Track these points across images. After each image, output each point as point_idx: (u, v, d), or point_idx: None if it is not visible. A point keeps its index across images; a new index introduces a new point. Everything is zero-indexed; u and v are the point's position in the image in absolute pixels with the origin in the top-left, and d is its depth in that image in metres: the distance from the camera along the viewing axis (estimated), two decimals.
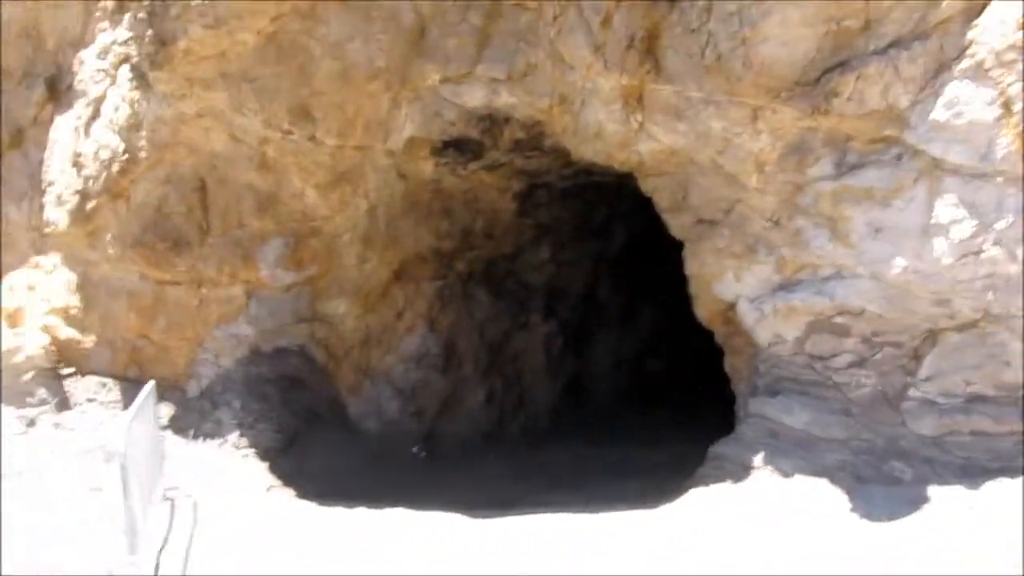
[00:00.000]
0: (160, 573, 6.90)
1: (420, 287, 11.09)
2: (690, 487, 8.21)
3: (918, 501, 6.79)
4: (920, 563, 6.00)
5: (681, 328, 14.87)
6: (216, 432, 10.03)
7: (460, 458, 10.99)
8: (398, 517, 8.34)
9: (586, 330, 13.37)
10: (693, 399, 14.41)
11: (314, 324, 10.66)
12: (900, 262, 6.64)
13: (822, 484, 7.29)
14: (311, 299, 10.58)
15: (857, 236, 6.82)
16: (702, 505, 7.67)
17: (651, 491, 8.91)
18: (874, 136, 6.64)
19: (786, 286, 7.46)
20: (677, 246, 14.20)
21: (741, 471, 7.87)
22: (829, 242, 7.02)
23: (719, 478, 7.99)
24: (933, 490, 6.85)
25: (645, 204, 13.04)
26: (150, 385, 8.85)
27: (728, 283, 7.94)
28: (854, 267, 6.94)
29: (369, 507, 8.79)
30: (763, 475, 7.68)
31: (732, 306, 8.14)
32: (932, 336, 7.01)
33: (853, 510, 6.83)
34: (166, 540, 7.76)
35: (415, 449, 10.92)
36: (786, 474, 7.54)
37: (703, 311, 8.55)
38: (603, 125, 8.31)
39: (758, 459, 7.80)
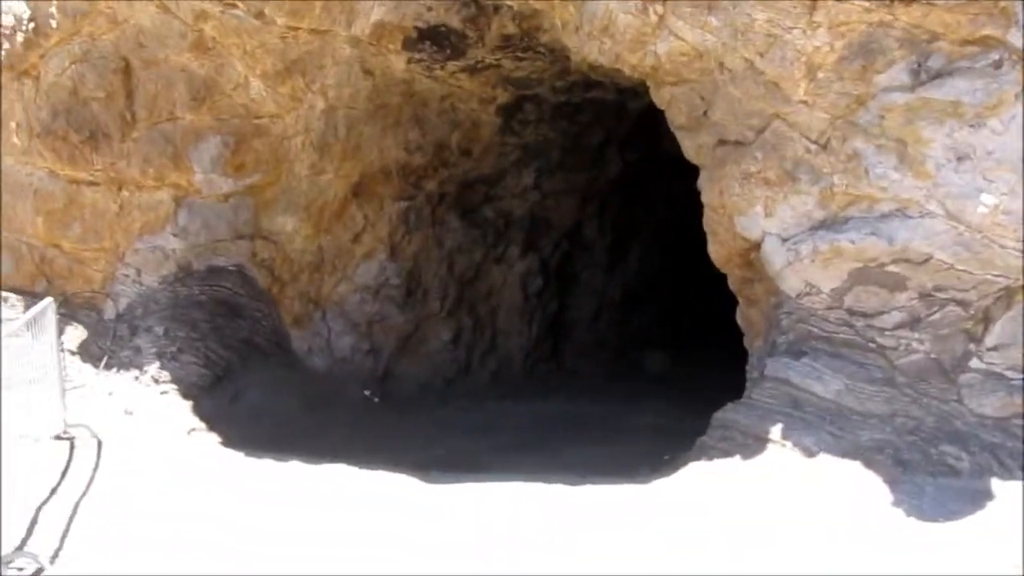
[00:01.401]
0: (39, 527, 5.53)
1: (383, 207, 9.56)
2: (690, 459, 6.88)
3: (979, 498, 5.49)
4: None
5: (675, 276, 13.54)
6: (133, 362, 8.54)
7: (419, 406, 9.60)
8: (337, 476, 6.94)
9: (569, 270, 11.93)
10: (689, 351, 13.14)
11: (256, 242, 9.13)
12: (989, 200, 5.24)
13: (855, 468, 5.95)
14: (253, 212, 9.03)
15: (934, 164, 5.39)
16: (705, 483, 6.32)
17: (639, 459, 7.59)
18: (968, 36, 5.18)
19: (832, 223, 6.03)
20: (680, 180, 12.77)
21: (754, 444, 6.53)
22: (895, 170, 5.58)
23: (726, 451, 6.65)
24: (998, 486, 5.55)
25: (646, 128, 11.56)
26: (48, 300, 7.33)
27: (755, 217, 6.50)
28: (925, 203, 5.52)
29: (305, 460, 7.39)
30: (781, 451, 6.34)
31: (756, 246, 6.72)
32: (1008, 295, 5.64)
33: (896, 504, 5.52)
34: (54, 490, 6.35)
35: (367, 392, 9.51)
36: (810, 452, 6.20)
37: (719, 250, 7.12)
38: (614, 17, 6.77)
39: (775, 431, 6.45)
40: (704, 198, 7.07)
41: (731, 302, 10.59)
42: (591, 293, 12.26)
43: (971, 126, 5.20)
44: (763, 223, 6.49)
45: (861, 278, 6.08)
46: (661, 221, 13.15)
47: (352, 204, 9.41)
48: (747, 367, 7.57)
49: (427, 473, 7.13)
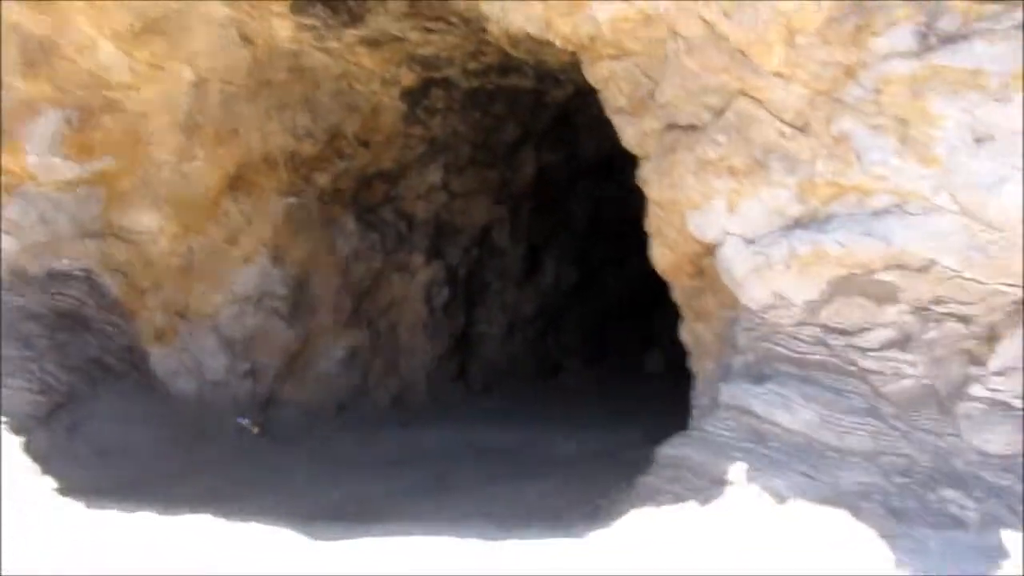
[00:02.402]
0: None
1: (265, 203, 8.15)
2: (633, 503, 5.74)
3: (992, 556, 4.52)
4: None
5: (594, 291, 12.50)
6: None
7: (308, 437, 8.19)
8: (197, 532, 5.51)
9: (479, 281, 10.72)
10: (612, 372, 12.12)
11: (108, 241, 7.59)
12: (1013, 191, 4.28)
13: (840, 519, 4.92)
14: (104, 206, 7.49)
15: (946, 147, 4.40)
16: (653, 538, 5.18)
17: (569, 500, 6.42)
18: None
19: (811, 222, 4.99)
20: (602, 184, 11.75)
21: (711, 487, 5.43)
22: (895, 155, 4.56)
23: (677, 495, 5.53)
24: (1011, 539, 4.58)
25: (564, 126, 10.49)
26: None
27: (713, 214, 5.42)
28: (932, 196, 4.52)
29: (162, 511, 5.94)
30: (745, 496, 5.24)
31: (711, 249, 5.66)
32: (1021, 309, 4.70)
33: (898, 566, 4.49)
34: None
35: (244, 421, 8.06)
36: (781, 497, 5.13)
37: (665, 255, 6.04)
38: None
39: (737, 471, 5.36)
40: (650, 193, 5.98)
41: (663, 318, 9.60)
42: (502, 307, 11.08)
43: (996, 100, 4.24)
44: (723, 221, 5.41)
45: (844, 288, 5.06)
46: (580, 230, 12.10)
47: (228, 199, 7.97)
48: (692, 392, 6.50)
49: (313, 526, 5.78)
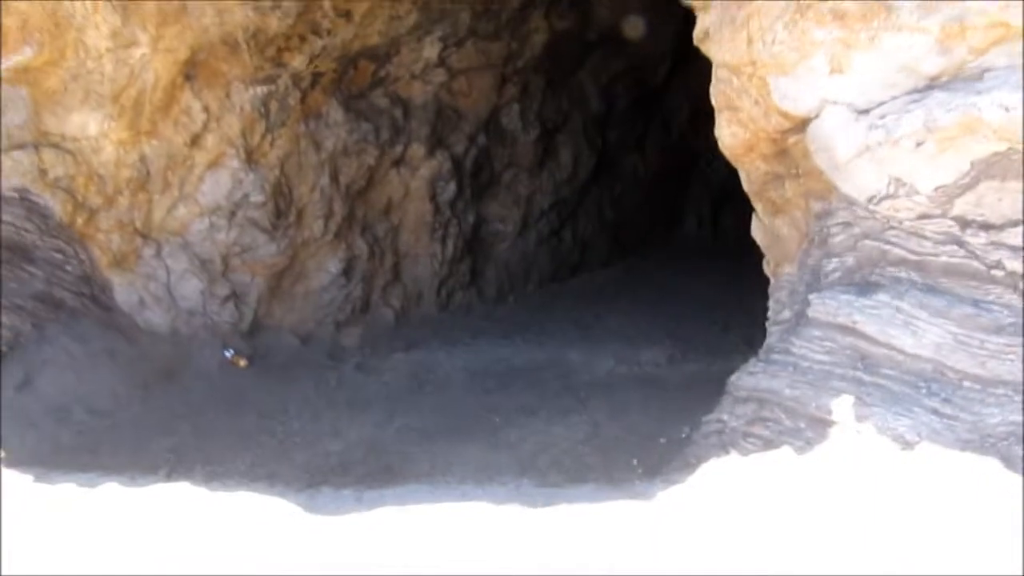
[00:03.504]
0: None
1: (230, 94, 6.78)
2: (703, 453, 4.63)
3: None
4: None
5: (611, 176, 11.19)
6: None
7: (302, 368, 7.06)
8: (173, 507, 4.42)
9: (488, 172, 9.40)
10: (642, 271, 10.92)
11: (43, 153, 6.27)
12: None
13: (987, 469, 3.80)
14: (32, 109, 6.15)
15: None
16: (742, 500, 4.08)
17: (616, 444, 5.30)
18: None
19: (955, 80, 3.68)
20: (618, 59, 10.26)
21: (810, 428, 4.31)
22: None
23: (767, 440, 4.43)
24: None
25: None
26: None
27: (811, 77, 4.10)
28: None
29: (127, 482, 4.88)
30: (856, 441, 4.13)
31: (803, 124, 4.36)
32: None
33: None
34: None
35: (228, 354, 6.92)
36: (906, 442, 4.01)
37: (737, 133, 4.75)
38: None
39: (842, 408, 4.23)
40: (715, 54, 4.63)
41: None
42: (515, 201, 9.78)
43: None
44: (824, 86, 4.09)
45: (993, 169, 3.78)
46: (594, 110, 10.68)
47: (185, 92, 6.61)
48: (772, 303, 5.31)
49: (312, 495, 4.70)
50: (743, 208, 14.21)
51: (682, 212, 13.35)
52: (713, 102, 4.85)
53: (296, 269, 7.57)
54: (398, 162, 8.24)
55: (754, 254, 12.62)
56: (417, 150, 8.34)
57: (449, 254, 8.78)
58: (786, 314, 5.01)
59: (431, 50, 8.06)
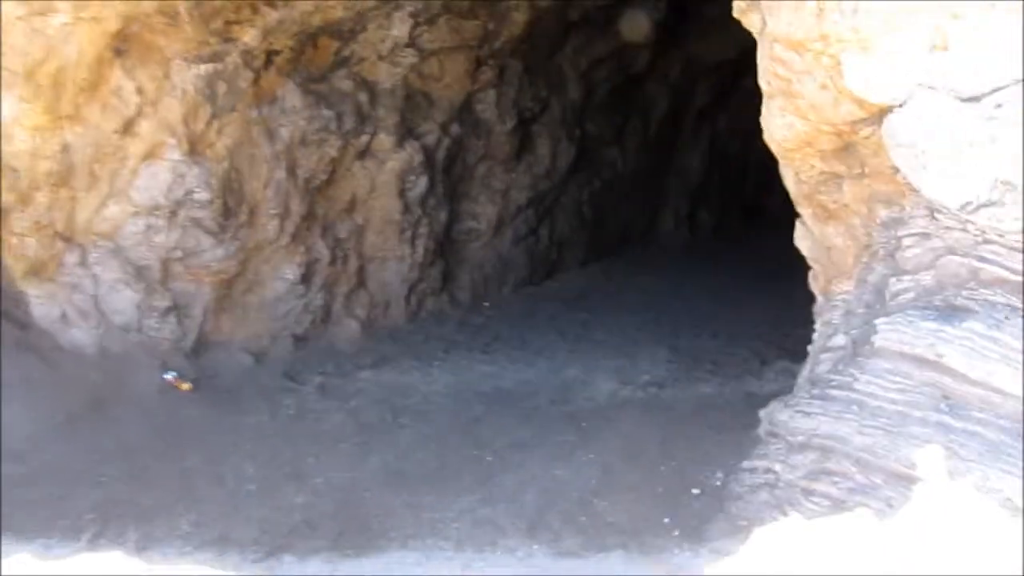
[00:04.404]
0: None
1: (169, 75, 5.79)
2: (756, 513, 3.82)
3: None
4: None
5: (590, 170, 10.37)
6: None
7: (255, 391, 6.10)
8: None
9: (462, 165, 8.50)
10: (626, 273, 10.14)
11: None
12: None
13: None
14: None
15: None
16: None
17: (637, 497, 4.44)
18: None
19: None
20: (602, 40, 9.43)
21: (884, 483, 3.54)
22: None
23: (833, 500, 3.63)
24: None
25: None
26: None
27: (903, 54, 3.31)
28: None
29: (40, 552, 3.93)
30: (950, 502, 3.36)
31: (882, 113, 3.57)
32: None
33: None
34: None
35: (170, 376, 5.94)
36: (1014, 506, 3.25)
37: (792, 124, 3.93)
38: None
39: (926, 459, 3.45)
40: (771, 27, 3.80)
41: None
42: (490, 196, 8.90)
43: None
44: (920, 66, 3.30)
45: None
46: (572, 98, 9.84)
47: (115, 70, 5.60)
48: (820, 324, 4.52)
49: (274, 563, 3.81)
50: (720, 206, 13.52)
51: (659, 209, 12.59)
52: (763, 86, 4.03)
53: (248, 276, 6.60)
54: (363, 154, 7.31)
55: (735, 256, 11.93)
56: (384, 140, 7.41)
57: (420, 256, 7.87)
58: (840, 340, 4.22)
59: (400, 27, 7.14)
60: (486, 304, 8.62)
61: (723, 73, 12.19)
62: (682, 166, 12.80)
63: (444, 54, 7.74)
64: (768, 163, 14.30)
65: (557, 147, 9.58)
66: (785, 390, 5.62)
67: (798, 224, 4.52)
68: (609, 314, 8.47)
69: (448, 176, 8.25)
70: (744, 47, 11.56)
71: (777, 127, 4.00)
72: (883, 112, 3.59)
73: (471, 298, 8.59)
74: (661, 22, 9.92)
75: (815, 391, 4.10)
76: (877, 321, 3.88)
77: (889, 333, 3.81)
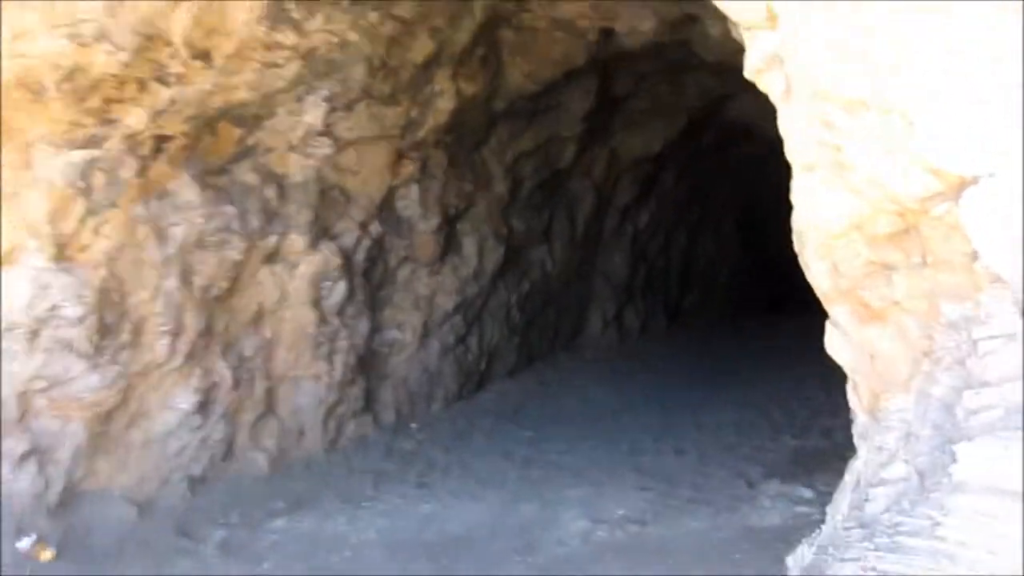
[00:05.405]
0: None
1: (30, 162, 4.70)
2: None
3: None
4: None
5: (518, 272, 9.57)
6: None
7: (138, 556, 4.83)
8: None
9: (382, 268, 7.54)
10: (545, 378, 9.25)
11: None
12: None
13: None
14: None
15: None
16: None
17: None
18: None
19: None
20: (530, 130, 8.80)
21: None
22: None
23: None
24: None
25: (488, 40, 7.47)
26: None
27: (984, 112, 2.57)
28: None
29: None
30: None
31: (960, 187, 2.81)
32: None
33: None
34: None
35: (24, 543, 4.64)
36: None
37: (842, 200, 3.13)
38: None
39: None
40: (814, 82, 3.04)
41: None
42: (415, 302, 7.92)
43: None
44: (1011, 127, 2.57)
45: None
46: (499, 193, 9.07)
47: None
48: (867, 450, 3.67)
49: None
50: (645, 307, 12.84)
51: (586, 311, 11.82)
52: (797, 159, 3.25)
53: (131, 407, 5.39)
54: (271, 257, 6.27)
55: (667, 358, 11.14)
56: (296, 241, 6.40)
57: (338, 374, 6.78)
58: (900, 470, 3.33)
59: (314, 113, 6.23)
60: (414, 425, 7.53)
61: (644, 169, 11.72)
62: (607, 266, 12.14)
63: (362, 145, 6.86)
64: (689, 263, 13.78)
65: (484, 246, 8.72)
66: (794, 523, 4.76)
67: (830, 327, 3.69)
68: (554, 429, 7.52)
69: (368, 281, 7.26)
70: (668, 141, 11.35)
71: (824, 206, 3.19)
72: (963, 185, 2.83)
73: (395, 418, 7.50)
74: (588, 114, 9.36)
75: (880, 539, 3.18)
76: (956, 448, 3.04)
77: (974, 461, 2.97)
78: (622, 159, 11.19)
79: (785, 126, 3.32)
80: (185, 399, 5.64)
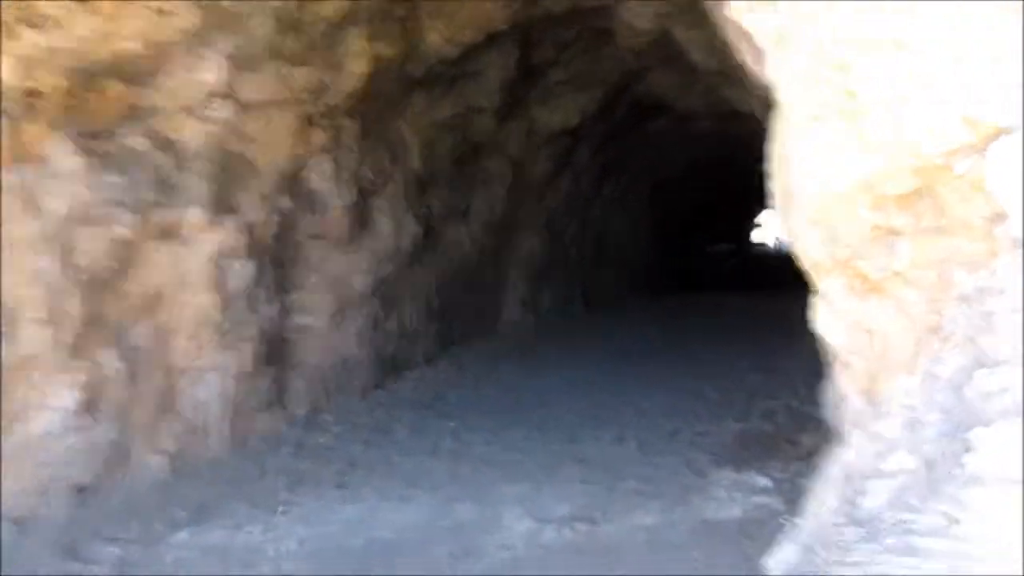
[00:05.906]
0: None
1: None
2: None
3: None
4: None
5: (436, 251, 9.04)
6: None
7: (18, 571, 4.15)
8: None
9: (292, 246, 6.89)
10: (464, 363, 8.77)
11: None
12: None
13: None
14: None
15: None
16: None
17: None
18: None
19: None
20: (451, 97, 8.28)
21: None
22: None
23: None
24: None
25: None
26: None
27: None
28: None
29: None
30: None
31: (987, 140, 2.43)
32: None
33: None
34: None
35: None
36: None
37: (852, 158, 2.74)
38: None
39: None
40: (822, 23, 2.61)
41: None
42: (327, 283, 7.30)
43: None
44: None
45: None
46: (415, 168, 8.50)
47: None
48: (862, 438, 3.30)
49: None
50: (562, 288, 12.50)
51: (503, 293, 11.37)
52: (797, 109, 2.82)
53: (5, 408, 4.64)
54: (167, 234, 5.57)
55: (588, 340, 10.80)
56: (194, 216, 5.71)
57: (246, 364, 6.13)
58: (903, 460, 2.97)
59: (214, 72, 5.55)
60: (329, 418, 6.93)
61: (562, 144, 11.31)
62: (523, 246, 11.71)
63: (269, 109, 6.19)
64: (604, 241, 13.41)
65: (400, 225, 8.15)
66: (755, 515, 4.40)
67: (819, 303, 3.30)
68: (479, 419, 7.02)
69: (276, 261, 6.60)
70: (586, 113, 10.93)
71: (822, 164, 2.78)
72: (998, 136, 2.46)
73: (309, 411, 6.88)
74: (507, 82, 8.87)
75: (888, 540, 2.82)
76: (970, 434, 2.69)
77: (993, 449, 2.62)
78: (540, 133, 10.75)
79: (781, 73, 2.89)
80: (68, 397, 4.92)
